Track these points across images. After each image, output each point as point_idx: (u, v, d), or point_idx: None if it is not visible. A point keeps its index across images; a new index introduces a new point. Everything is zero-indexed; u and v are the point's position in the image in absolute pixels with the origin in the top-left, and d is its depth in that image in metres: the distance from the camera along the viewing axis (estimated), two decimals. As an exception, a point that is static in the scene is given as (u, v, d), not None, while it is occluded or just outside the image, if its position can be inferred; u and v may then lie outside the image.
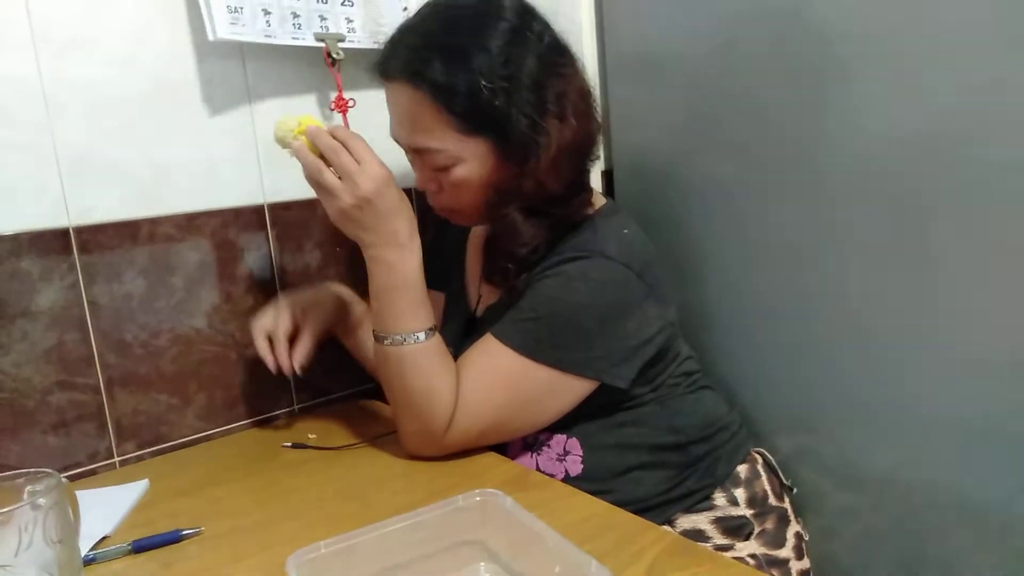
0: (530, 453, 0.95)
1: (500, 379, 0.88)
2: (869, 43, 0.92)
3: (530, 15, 0.91)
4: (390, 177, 0.85)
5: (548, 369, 0.87)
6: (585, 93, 0.94)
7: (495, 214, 0.93)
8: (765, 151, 1.05)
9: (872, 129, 0.93)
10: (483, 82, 0.85)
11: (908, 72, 0.89)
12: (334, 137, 0.84)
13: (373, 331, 0.90)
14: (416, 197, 1.23)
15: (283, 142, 0.88)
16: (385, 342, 0.88)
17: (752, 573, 0.65)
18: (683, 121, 1.17)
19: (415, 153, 0.93)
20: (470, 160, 0.90)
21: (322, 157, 0.85)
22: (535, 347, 0.87)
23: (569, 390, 0.90)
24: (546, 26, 0.92)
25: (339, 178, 0.84)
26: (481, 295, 1.04)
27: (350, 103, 1.12)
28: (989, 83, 0.83)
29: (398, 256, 0.86)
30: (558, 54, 0.92)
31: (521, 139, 0.88)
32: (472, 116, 0.87)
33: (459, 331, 1.03)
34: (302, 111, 0.89)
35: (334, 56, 1.08)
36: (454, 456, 0.90)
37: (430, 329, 0.88)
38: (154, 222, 0.99)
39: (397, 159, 0.96)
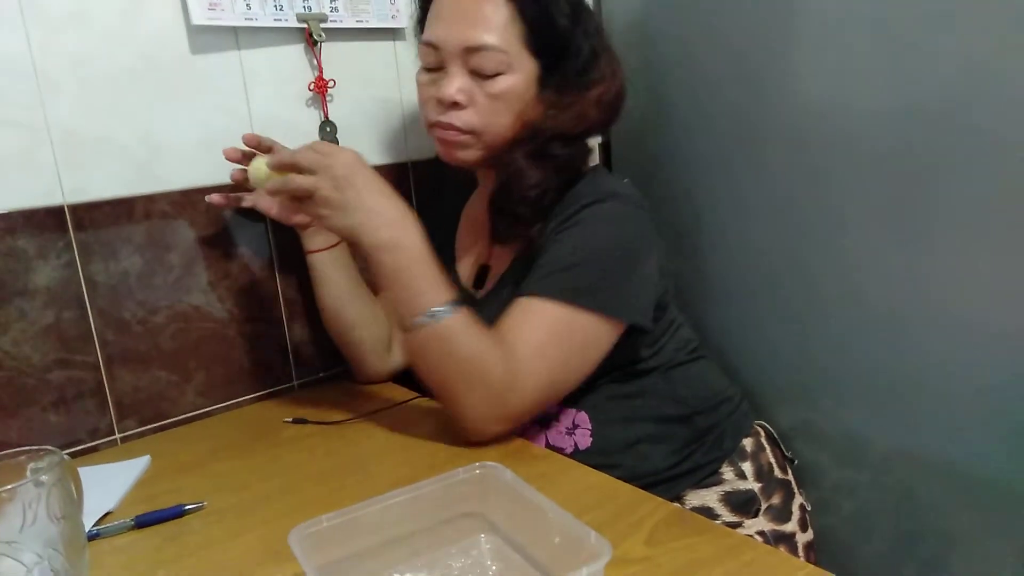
0: (539, 427, 0.95)
1: (550, 334, 0.84)
2: (867, 9, 0.91)
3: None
4: (360, 156, 0.83)
5: (590, 315, 0.85)
6: (623, 89, 0.98)
7: (509, 152, 0.94)
8: (762, 121, 1.05)
9: (873, 95, 0.92)
10: (562, 3, 0.91)
11: (907, 39, 0.88)
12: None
13: (401, 324, 0.84)
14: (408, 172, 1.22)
15: (260, 184, 0.92)
16: (417, 326, 0.81)
17: (749, 543, 0.65)
18: (679, 93, 1.16)
19: (464, 55, 0.90)
20: (519, 72, 0.92)
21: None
22: (575, 294, 0.84)
23: (605, 337, 0.88)
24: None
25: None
26: (491, 266, 1.03)
27: (330, 83, 1.11)
28: (986, 49, 0.82)
29: (396, 234, 0.81)
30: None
31: (579, 64, 0.93)
32: (540, 30, 0.91)
33: None
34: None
35: (316, 37, 1.08)
36: (452, 429, 0.90)
37: (456, 300, 0.82)
38: (149, 199, 0.99)
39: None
